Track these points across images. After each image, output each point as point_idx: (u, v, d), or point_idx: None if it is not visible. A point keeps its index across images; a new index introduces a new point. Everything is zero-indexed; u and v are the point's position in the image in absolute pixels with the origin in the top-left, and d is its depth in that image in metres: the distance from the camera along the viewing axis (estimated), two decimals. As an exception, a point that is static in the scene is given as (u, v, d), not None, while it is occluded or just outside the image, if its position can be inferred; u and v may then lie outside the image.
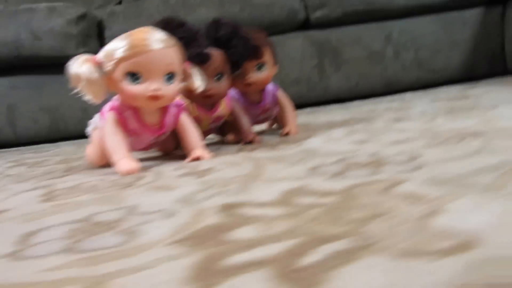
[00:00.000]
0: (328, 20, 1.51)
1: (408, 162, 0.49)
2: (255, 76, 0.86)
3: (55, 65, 1.40)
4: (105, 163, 0.73)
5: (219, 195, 0.45)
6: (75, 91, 0.65)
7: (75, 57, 0.64)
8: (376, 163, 0.51)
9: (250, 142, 0.82)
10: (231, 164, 0.64)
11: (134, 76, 0.64)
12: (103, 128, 0.70)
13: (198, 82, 0.73)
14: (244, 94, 0.92)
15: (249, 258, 0.28)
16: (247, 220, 0.36)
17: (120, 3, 1.95)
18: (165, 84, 0.66)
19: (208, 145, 0.89)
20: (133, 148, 0.74)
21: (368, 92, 1.59)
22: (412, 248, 0.27)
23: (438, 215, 0.31)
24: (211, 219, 0.37)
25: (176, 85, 0.68)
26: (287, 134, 0.88)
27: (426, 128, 0.72)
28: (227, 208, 0.40)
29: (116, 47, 0.64)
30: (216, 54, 0.78)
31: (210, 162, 0.68)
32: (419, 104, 1.14)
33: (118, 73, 0.64)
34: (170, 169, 0.66)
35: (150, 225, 0.37)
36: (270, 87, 0.94)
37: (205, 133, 0.88)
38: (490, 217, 0.30)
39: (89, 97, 0.65)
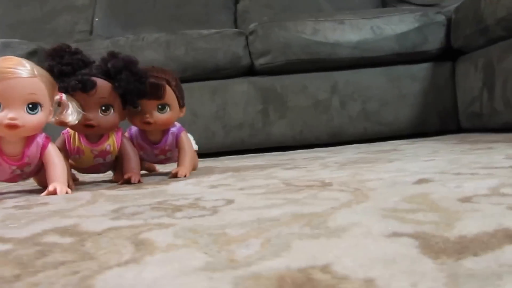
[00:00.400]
0: (272, 67, 1.51)
1: (209, 208, 0.45)
2: (155, 116, 0.84)
3: None
4: None
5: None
6: None
7: None
8: (184, 207, 0.47)
9: (129, 181, 0.78)
10: (69, 200, 0.60)
11: None
12: None
13: (71, 116, 0.72)
14: (143, 132, 0.90)
15: None
16: None
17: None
18: (26, 113, 0.64)
19: (96, 182, 0.85)
20: None
21: (312, 141, 1.56)
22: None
23: (120, 268, 0.27)
24: None
25: (39, 116, 0.66)
26: (175, 175, 0.84)
27: (297, 176, 0.69)
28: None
29: None
30: (103, 85, 0.76)
31: (56, 197, 0.65)
32: (342, 155, 1.10)
33: None
34: (13, 201, 0.64)
35: None
36: (173, 129, 0.91)
37: (91, 168, 0.85)
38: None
39: None
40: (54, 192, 0.67)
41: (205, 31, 1.53)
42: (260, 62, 1.51)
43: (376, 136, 1.61)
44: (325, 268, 0.24)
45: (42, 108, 0.66)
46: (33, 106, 0.65)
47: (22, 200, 0.64)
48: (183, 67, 1.47)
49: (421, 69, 1.61)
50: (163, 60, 1.46)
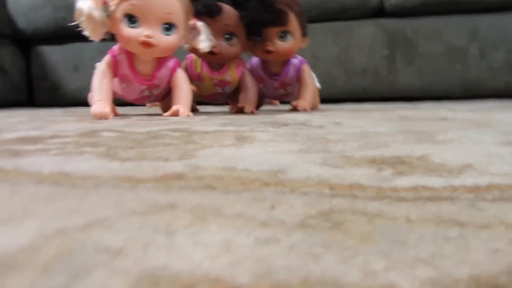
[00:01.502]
0: (404, 8, 1.40)
1: (316, 126, 0.46)
2: (277, 44, 0.81)
3: None
4: None
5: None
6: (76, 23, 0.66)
7: None
8: (291, 124, 0.48)
9: (242, 111, 0.78)
10: (189, 118, 0.64)
11: (132, 19, 0.65)
12: (97, 68, 0.71)
13: (204, 43, 0.72)
14: (264, 63, 0.88)
15: None
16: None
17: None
18: (162, 33, 0.66)
19: (214, 112, 0.89)
20: (125, 96, 0.76)
21: (443, 94, 1.43)
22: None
23: (220, 148, 0.29)
24: None
25: (173, 38, 0.67)
26: (294, 107, 0.83)
27: (417, 114, 0.65)
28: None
29: None
30: (230, 12, 0.75)
31: (179, 117, 0.68)
32: (476, 105, 1.00)
33: (119, 14, 0.65)
34: (137, 117, 0.68)
35: None
36: (295, 60, 0.87)
37: (210, 97, 0.87)
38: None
39: (87, 32, 0.66)
40: (176, 113, 0.69)
41: (333, -31, 1.46)
42: (391, 2, 1.40)
43: (520, 91, 1.41)
44: (421, 158, 0.23)
45: (176, 30, 0.67)
46: (169, 27, 0.66)
47: (145, 117, 0.69)
48: (307, 7, 1.41)
49: None
50: (289, 1, 1.44)
